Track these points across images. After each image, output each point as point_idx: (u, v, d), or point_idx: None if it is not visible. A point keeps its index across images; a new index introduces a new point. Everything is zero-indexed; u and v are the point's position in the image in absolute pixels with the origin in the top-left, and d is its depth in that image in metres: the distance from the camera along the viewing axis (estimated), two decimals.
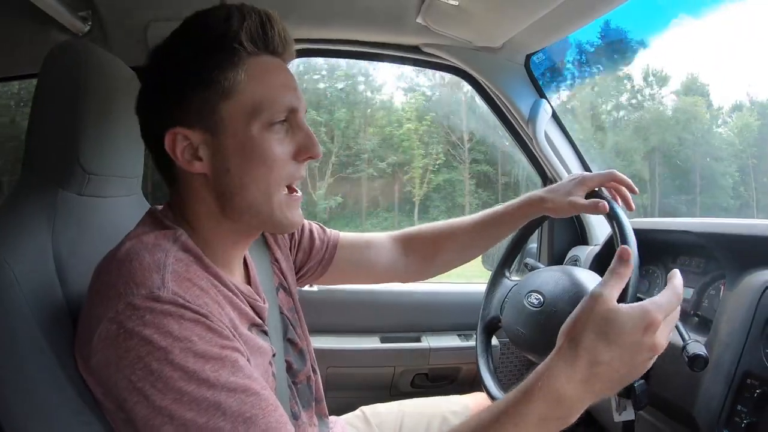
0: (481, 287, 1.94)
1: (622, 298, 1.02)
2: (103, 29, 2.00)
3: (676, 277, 1.05)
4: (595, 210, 1.38)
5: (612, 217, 1.35)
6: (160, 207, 1.14)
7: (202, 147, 1.03)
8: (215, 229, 1.09)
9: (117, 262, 0.94)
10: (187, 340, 0.87)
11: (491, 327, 1.82)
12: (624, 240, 1.28)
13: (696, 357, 1.29)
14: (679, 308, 1.02)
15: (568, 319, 0.99)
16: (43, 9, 1.75)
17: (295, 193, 1.10)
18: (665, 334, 0.97)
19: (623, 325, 0.92)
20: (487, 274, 1.97)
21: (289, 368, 1.30)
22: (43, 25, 1.90)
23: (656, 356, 0.96)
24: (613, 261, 1.02)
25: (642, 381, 1.29)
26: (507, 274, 1.88)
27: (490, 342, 1.82)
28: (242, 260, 1.21)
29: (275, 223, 1.09)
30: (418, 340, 2.52)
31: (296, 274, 1.51)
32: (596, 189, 1.47)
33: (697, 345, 1.32)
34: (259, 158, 1.03)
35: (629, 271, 1.01)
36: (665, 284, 1.65)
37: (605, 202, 1.36)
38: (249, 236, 1.16)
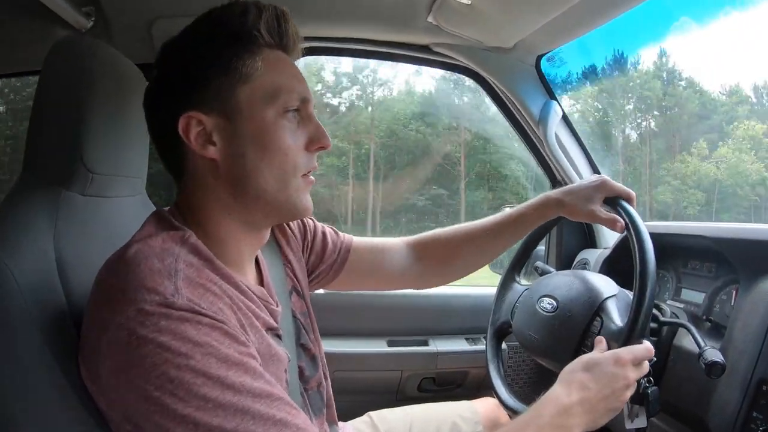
0: (489, 290, 1.94)
1: (638, 307, 1.29)
2: (107, 25, 1.99)
3: (646, 343, 1.28)
4: (613, 227, 1.43)
5: (632, 232, 1.35)
6: (166, 208, 1.11)
7: (216, 132, 1.03)
8: (225, 222, 1.07)
9: (124, 266, 0.91)
10: (208, 345, 0.85)
11: (502, 332, 1.81)
12: (643, 257, 1.30)
13: (713, 364, 1.29)
14: (647, 363, 1.25)
15: (569, 367, 1.23)
16: (46, 4, 1.74)
17: (309, 178, 1.12)
18: (634, 373, 1.21)
19: (599, 361, 1.20)
20: (493, 277, 1.95)
21: (301, 375, 1.28)
22: (46, 21, 1.89)
23: (631, 388, 1.21)
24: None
25: (655, 388, 1.28)
26: (517, 278, 1.87)
27: (501, 347, 1.81)
28: (254, 261, 1.20)
29: (289, 208, 1.10)
30: (425, 343, 2.50)
31: (308, 277, 1.49)
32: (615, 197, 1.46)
33: (714, 352, 1.31)
34: (274, 144, 1.04)
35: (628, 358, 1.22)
36: (675, 289, 1.65)
37: (623, 223, 1.40)
38: (260, 230, 1.14)
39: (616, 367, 1.18)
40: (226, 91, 1.02)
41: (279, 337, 1.13)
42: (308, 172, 1.11)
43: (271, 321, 1.10)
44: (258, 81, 1.03)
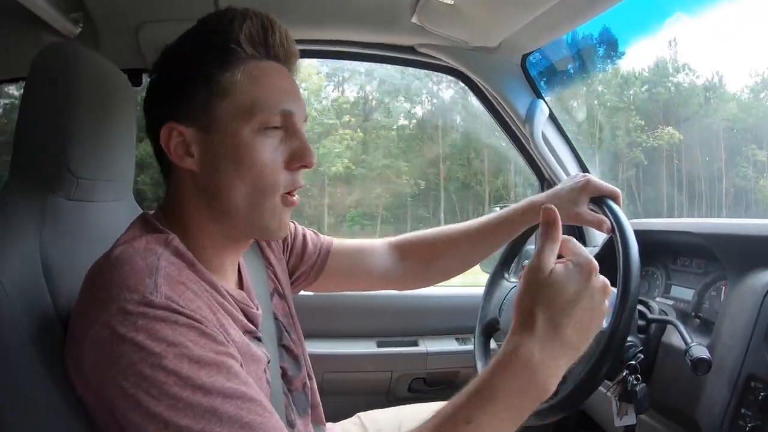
0: (478, 290, 1.93)
1: (622, 306, 1.21)
2: (95, 31, 1.99)
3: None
4: (600, 228, 1.41)
5: (616, 231, 1.34)
6: (152, 211, 1.12)
7: (194, 144, 1.04)
8: (205, 231, 1.07)
9: (109, 266, 0.93)
10: (182, 346, 0.85)
11: (490, 329, 1.81)
12: (627, 259, 1.28)
13: (700, 360, 1.28)
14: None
15: (516, 296, 0.98)
16: (34, 11, 1.74)
17: (291, 198, 1.09)
18: (603, 279, 0.98)
19: (567, 283, 0.94)
20: (483, 277, 1.95)
21: (284, 375, 1.28)
22: (33, 28, 1.89)
23: (609, 295, 0.98)
24: (540, 226, 1.00)
25: (643, 385, 1.28)
26: (506, 275, 1.87)
27: (489, 344, 1.81)
28: (236, 265, 1.20)
29: (262, 228, 1.09)
30: (415, 344, 2.51)
31: (289, 278, 1.49)
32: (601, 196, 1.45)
33: (700, 348, 1.31)
34: (248, 161, 1.02)
35: (559, 232, 0.99)
36: (665, 286, 1.65)
37: (609, 224, 1.37)
38: (238, 241, 1.14)
39: (584, 277, 0.94)
40: (205, 104, 1.02)
41: (258, 339, 1.13)
42: (291, 192, 1.08)
43: (250, 324, 1.10)
44: (237, 95, 1.02)
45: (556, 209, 0.99)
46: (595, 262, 0.97)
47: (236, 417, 0.85)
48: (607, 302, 0.98)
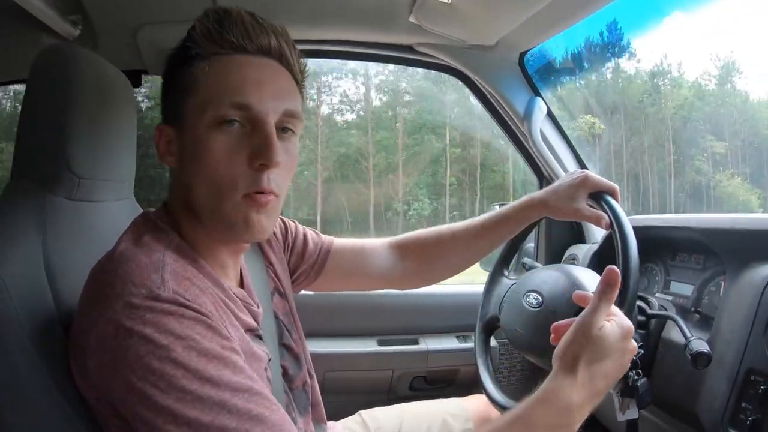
0: (478, 288, 1.94)
1: (620, 302, 1.21)
2: (94, 33, 1.99)
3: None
4: (598, 224, 1.42)
5: (615, 227, 1.35)
6: (153, 210, 1.13)
7: (173, 142, 1.07)
8: (194, 230, 1.08)
9: (113, 263, 0.93)
10: (190, 338, 0.86)
11: (490, 326, 1.81)
12: (626, 255, 1.29)
13: (699, 354, 1.30)
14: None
15: (562, 344, 1.07)
16: (33, 13, 1.74)
17: (255, 198, 1.03)
18: (633, 344, 1.10)
19: (611, 343, 1.04)
20: (483, 275, 1.96)
21: (285, 374, 1.29)
22: (33, 30, 1.89)
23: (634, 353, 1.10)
24: (600, 283, 1.08)
25: (645, 379, 1.29)
26: (505, 272, 1.87)
27: (489, 342, 1.81)
28: (237, 264, 1.20)
29: (230, 227, 1.04)
30: (415, 342, 2.51)
31: (290, 277, 1.49)
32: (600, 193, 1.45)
33: (699, 342, 1.32)
34: (203, 156, 1.00)
35: (616, 294, 1.08)
36: (664, 282, 1.65)
37: (607, 220, 1.38)
38: (226, 242, 1.12)
39: (626, 343, 1.06)
40: (176, 103, 1.05)
41: (259, 337, 1.13)
42: (254, 192, 1.02)
43: (252, 322, 1.11)
44: (196, 92, 1.02)
45: (618, 273, 1.08)
46: (632, 326, 1.08)
47: (245, 410, 0.85)
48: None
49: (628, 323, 1.08)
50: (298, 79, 1.12)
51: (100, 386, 0.89)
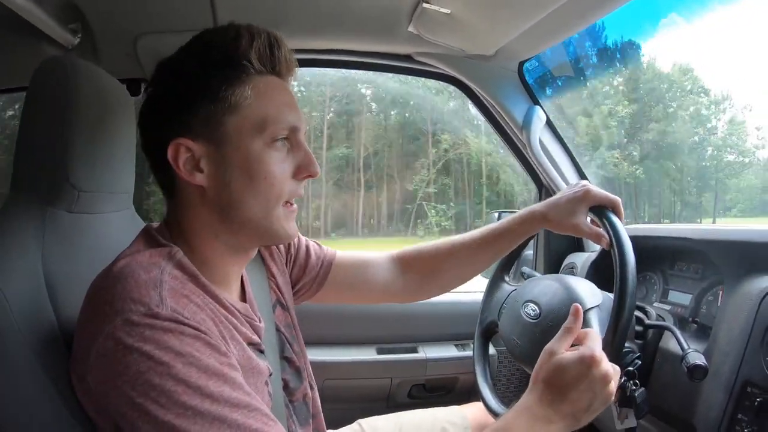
0: (477, 296, 1.94)
1: (615, 321, 1.27)
2: (93, 42, 1.99)
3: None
4: (598, 242, 1.43)
5: (614, 246, 1.34)
6: (155, 224, 1.13)
7: (204, 159, 1.04)
8: (212, 244, 1.09)
9: (112, 279, 0.93)
10: (189, 355, 0.86)
11: (489, 331, 1.82)
12: (623, 277, 1.29)
13: (696, 367, 1.30)
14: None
15: (535, 368, 1.15)
16: (32, 22, 1.73)
17: (291, 207, 1.12)
18: (609, 365, 1.12)
19: (569, 370, 1.09)
20: (482, 283, 1.96)
21: (286, 387, 1.29)
22: (32, 39, 1.89)
23: (614, 382, 1.12)
24: (568, 318, 1.19)
25: (642, 389, 1.30)
26: (506, 278, 1.88)
27: (488, 347, 1.82)
28: (240, 277, 1.20)
29: (273, 235, 1.10)
30: (414, 350, 2.51)
31: (292, 289, 1.49)
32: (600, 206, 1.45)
33: (696, 355, 1.32)
34: (260, 174, 1.04)
35: (579, 326, 1.18)
36: (663, 291, 1.65)
37: (608, 239, 1.38)
38: (246, 252, 1.16)
39: (584, 368, 1.09)
40: (215, 119, 1.03)
41: (261, 351, 1.14)
42: (291, 200, 1.11)
43: (253, 336, 1.11)
44: (247, 110, 1.04)
45: (581, 310, 1.20)
46: (600, 355, 1.10)
47: (244, 425, 0.87)
48: (613, 385, 1.11)
49: (591, 352, 1.10)
50: None
51: (100, 401, 0.90)
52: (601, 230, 1.42)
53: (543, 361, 1.13)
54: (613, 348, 1.24)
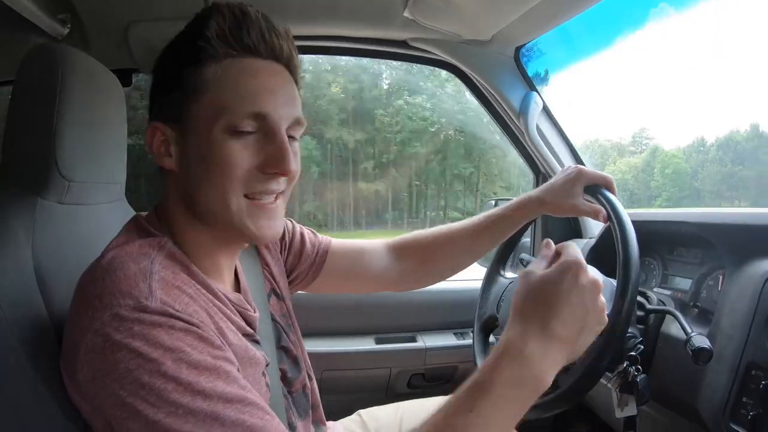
0: (476, 284, 1.93)
1: (622, 292, 1.19)
2: (83, 32, 1.98)
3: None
4: (596, 217, 1.42)
5: (613, 219, 1.34)
6: (145, 213, 1.11)
7: (173, 144, 1.03)
8: (193, 233, 1.06)
9: (101, 271, 0.91)
10: (180, 351, 0.84)
11: (489, 326, 1.81)
12: (626, 245, 1.26)
13: (701, 350, 1.29)
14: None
15: (512, 300, 1.01)
16: (21, 13, 1.72)
17: (258, 202, 1.04)
18: (592, 273, 0.99)
19: (551, 283, 0.96)
20: (480, 271, 1.95)
21: (284, 377, 1.27)
22: (21, 30, 1.87)
23: (601, 292, 0.99)
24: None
25: (644, 375, 1.28)
26: (502, 272, 1.87)
27: (488, 341, 1.81)
28: (233, 267, 1.18)
29: (239, 232, 1.04)
30: (413, 340, 2.51)
31: (287, 278, 1.48)
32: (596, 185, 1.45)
33: (701, 338, 1.32)
34: (216, 163, 0.99)
35: (550, 250, 1.06)
36: (662, 276, 1.64)
37: (605, 212, 1.37)
38: (230, 243, 1.12)
39: (576, 278, 0.96)
40: (180, 104, 1.01)
41: (257, 341, 1.12)
42: (258, 195, 1.03)
43: (247, 327, 1.09)
44: (209, 95, 0.99)
45: (550, 242, 1.07)
46: (581, 261, 0.98)
47: (238, 421, 0.84)
48: (602, 297, 0.99)
49: (572, 259, 0.98)
50: (299, 84, 1.11)
51: (91, 399, 0.87)
52: (598, 206, 1.42)
53: (520, 287, 1.00)
54: (622, 319, 1.19)
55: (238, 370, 0.92)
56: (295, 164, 1.04)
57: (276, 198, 1.06)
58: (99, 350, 0.83)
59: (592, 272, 0.99)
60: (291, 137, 1.05)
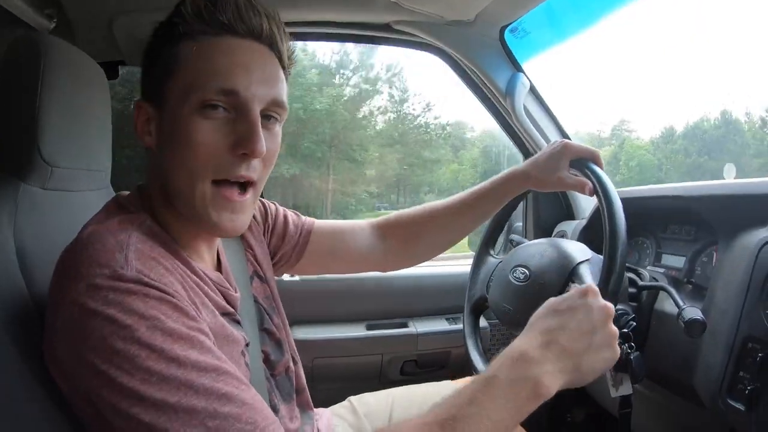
0: (466, 269, 1.94)
1: (609, 266, 1.26)
2: (69, 26, 1.99)
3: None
4: (582, 191, 1.43)
5: (599, 191, 1.35)
6: (126, 193, 1.10)
7: (152, 121, 1.03)
8: (170, 213, 1.05)
9: (80, 246, 0.90)
10: (154, 318, 0.83)
11: (479, 307, 1.81)
12: (612, 217, 1.29)
13: (693, 322, 1.30)
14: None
15: (531, 318, 1.10)
16: (6, 7, 1.73)
17: (225, 191, 1.01)
18: (605, 301, 1.06)
19: (564, 302, 1.06)
20: (471, 254, 1.95)
21: (266, 359, 1.27)
22: (7, 24, 1.87)
23: (612, 317, 1.05)
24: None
25: (638, 353, 1.28)
26: (491, 252, 1.87)
27: (478, 323, 1.82)
28: (214, 248, 1.18)
29: (200, 220, 1.01)
30: (405, 325, 2.51)
31: (271, 260, 1.48)
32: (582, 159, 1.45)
33: (693, 310, 1.33)
34: (183, 141, 0.97)
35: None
36: (655, 255, 1.63)
37: (591, 185, 1.39)
38: (200, 229, 1.09)
39: (585, 299, 1.05)
40: (159, 82, 1.00)
41: (237, 322, 1.11)
42: (225, 181, 1.00)
43: (227, 306, 1.08)
44: (181, 73, 0.98)
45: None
46: (596, 288, 1.08)
47: (212, 389, 0.83)
48: (613, 326, 1.05)
49: (585, 284, 1.11)
50: (286, 66, 1.09)
51: (69, 373, 0.86)
52: (584, 179, 1.43)
53: (540, 307, 1.10)
54: (609, 291, 1.24)
55: (213, 344, 0.91)
56: (270, 145, 1.02)
57: (246, 189, 1.03)
58: (75, 319, 0.82)
59: (605, 300, 1.07)
60: (270, 117, 1.04)
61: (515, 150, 2.55)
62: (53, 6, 1.89)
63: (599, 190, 1.34)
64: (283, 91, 1.05)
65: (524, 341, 1.01)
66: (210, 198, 1.00)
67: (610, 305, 1.06)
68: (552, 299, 1.08)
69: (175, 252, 0.99)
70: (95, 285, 0.83)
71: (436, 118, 8.58)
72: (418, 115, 8.50)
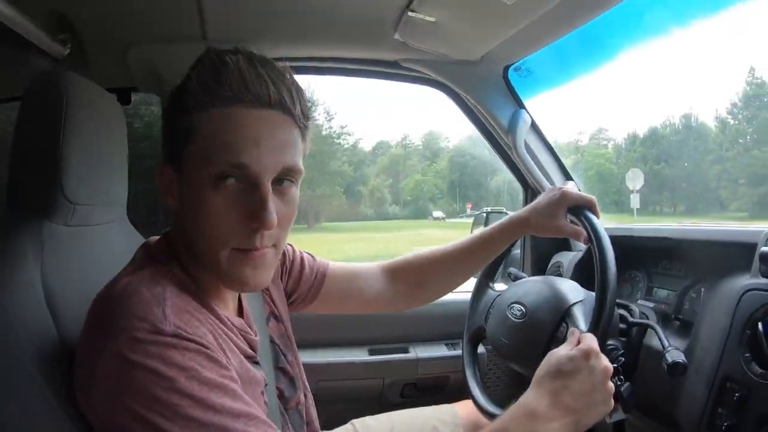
0: (466, 296, 1.97)
1: (599, 313, 1.34)
2: (83, 53, 1.98)
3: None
4: (578, 239, 1.49)
5: (593, 241, 1.41)
6: (153, 239, 1.14)
7: (174, 184, 1.06)
8: (195, 266, 1.07)
9: (115, 297, 0.95)
10: (192, 370, 0.88)
11: (477, 337, 1.87)
12: (603, 267, 1.36)
13: (675, 365, 1.37)
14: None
15: (536, 371, 1.20)
16: (21, 33, 1.71)
17: (248, 252, 1.02)
18: (604, 361, 1.18)
19: (568, 362, 1.16)
20: (472, 283, 1.99)
21: (281, 396, 1.31)
22: (22, 50, 1.86)
23: (610, 378, 1.18)
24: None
25: (628, 384, 1.34)
26: (490, 284, 1.92)
27: (477, 352, 1.86)
28: (236, 294, 1.20)
29: (227, 278, 1.04)
30: (405, 350, 2.54)
31: (286, 301, 1.52)
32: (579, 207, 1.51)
33: (676, 353, 1.39)
34: (201, 211, 0.99)
35: (576, 338, 1.24)
36: (647, 288, 1.69)
37: (586, 234, 1.45)
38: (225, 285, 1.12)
39: (588, 362, 1.15)
40: (177, 148, 1.02)
41: (257, 363, 1.15)
42: (243, 246, 1.01)
43: (249, 350, 1.12)
44: (195, 143, 0.99)
45: (576, 330, 1.29)
46: (597, 350, 1.18)
47: None
48: (611, 383, 1.18)
49: (587, 346, 1.18)
50: (301, 124, 1.06)
51: (104, 416, 0.90)
52: (581, 228, 1.48)
53: (544, 362, 1.19)
54: (599, 334, 1.29)
55: (240, 387, 0.96)
56: (284, 210, 1.04)
57: (265, 251, 1.04)
58: (116, 370, 0.86)
59: (605, 360, 1.17)
60: (286, 180, 1.03)
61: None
62: (68, 32, 1.90)
63: (593, 240, 1.40)
64: (297, 155, 1.04)
65: (533, 399, 1.12)
66: (235, 262, 1.02)
67: (609, 366, 1.17)
68: (556, 356, 1.18)
69: (204, 302, 1.03)
70: (136, 338, 0.87)
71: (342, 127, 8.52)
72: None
